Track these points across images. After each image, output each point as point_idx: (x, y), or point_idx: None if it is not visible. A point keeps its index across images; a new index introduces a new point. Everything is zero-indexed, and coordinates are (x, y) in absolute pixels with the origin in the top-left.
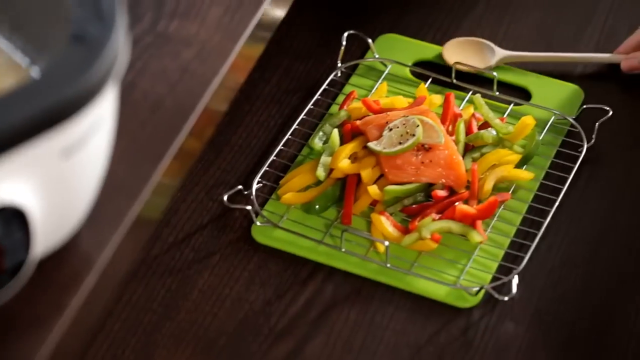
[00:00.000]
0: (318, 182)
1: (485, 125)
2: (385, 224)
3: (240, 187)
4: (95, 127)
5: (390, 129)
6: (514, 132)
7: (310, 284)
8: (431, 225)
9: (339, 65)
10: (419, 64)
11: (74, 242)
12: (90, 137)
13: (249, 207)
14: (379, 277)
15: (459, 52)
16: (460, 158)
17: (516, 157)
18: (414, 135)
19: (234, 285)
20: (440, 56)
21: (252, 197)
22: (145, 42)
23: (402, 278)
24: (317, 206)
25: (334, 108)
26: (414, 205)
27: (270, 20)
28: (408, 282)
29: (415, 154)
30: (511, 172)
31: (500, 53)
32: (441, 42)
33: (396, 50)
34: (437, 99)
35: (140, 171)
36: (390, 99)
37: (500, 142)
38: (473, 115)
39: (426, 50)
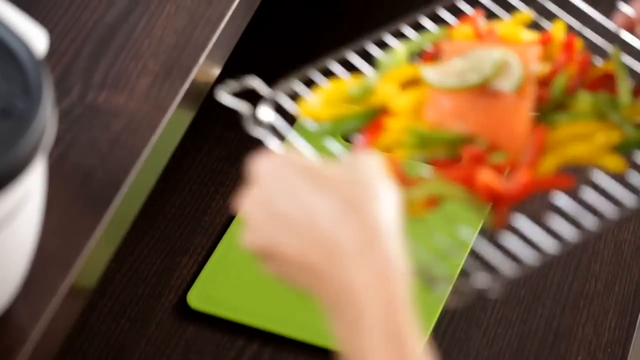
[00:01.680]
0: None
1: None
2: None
3: None
4: (24, 202)
5: (463, 59)
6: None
7: (248, 350)
8: (426, 185)
9: None
10: None
11: (7, 316)
12: (19, 212)
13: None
14: (317, 340)
15: None
16: (528, 113)
17: (615, 139)
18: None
19: (170, 354)
20: None
21: None
22: (75, 114)
23: None
24: (340, 126)
25: None
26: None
27: (199, 89)
28: None
29: (471, 97)
30: (595, 155)
31: None
32: None
33: None
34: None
35: (73, 243)
36: (512, 28)
37: (603, 114)
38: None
39: None
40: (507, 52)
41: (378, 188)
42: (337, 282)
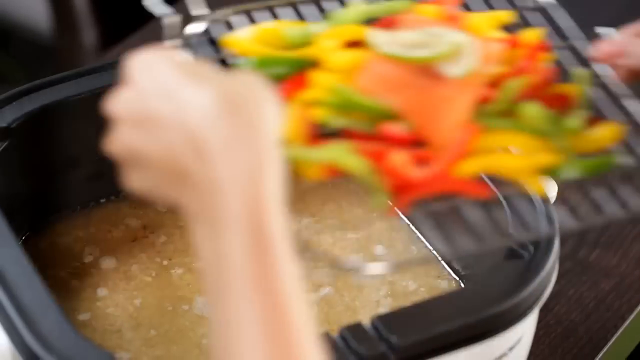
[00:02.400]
0: None
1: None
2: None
3: None
4: (514, 346)
5: (417, 32)
6: (587, 136)
7: None
8: (331, 150)
9: None
10: None
11: None
12: (507, 356)
13: None
14: None
15: None
16: (466, 107)
17: (551, 162)
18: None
19: None
20: None
21: None
22: (565, 267)
23: None
24: (265, 65)
25: None
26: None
27: None
28: None
29: (412, 72)
30: (521, 172)
31: None
32: None
33: None
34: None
35: None
36: (484, 22)
37: (547, 133)
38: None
39: None
40: (467, 39)
41: (263, 97)
42: (203, 183)
